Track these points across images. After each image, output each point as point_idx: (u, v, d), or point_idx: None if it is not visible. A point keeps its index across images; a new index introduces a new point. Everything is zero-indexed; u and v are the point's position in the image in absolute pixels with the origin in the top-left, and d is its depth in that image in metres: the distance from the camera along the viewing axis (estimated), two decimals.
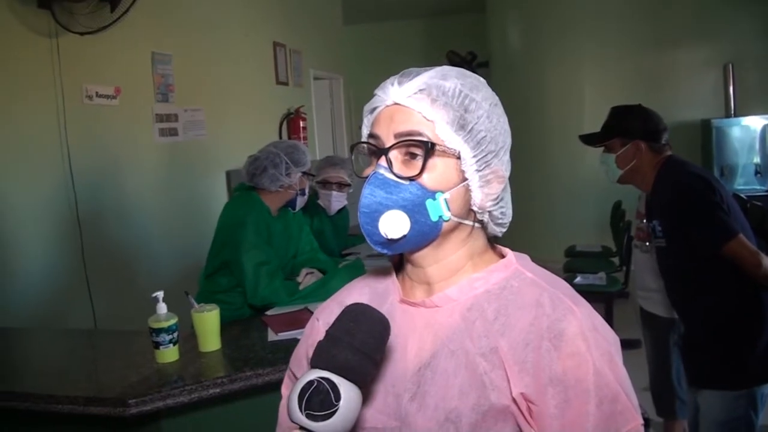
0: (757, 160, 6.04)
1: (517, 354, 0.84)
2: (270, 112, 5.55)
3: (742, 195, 2.58)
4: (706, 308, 2.15)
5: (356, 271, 2.60)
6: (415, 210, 0.86)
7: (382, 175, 0.87)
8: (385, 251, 0.90)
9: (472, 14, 8.77)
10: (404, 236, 0.86)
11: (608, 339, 0.85)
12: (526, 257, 0.97)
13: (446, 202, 0.87)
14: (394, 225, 0.85)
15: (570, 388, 0.81)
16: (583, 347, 0.82)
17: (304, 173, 2.73)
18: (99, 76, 3.48)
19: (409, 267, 0.96)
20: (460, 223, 0.91)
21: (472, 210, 0.91)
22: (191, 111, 4.28)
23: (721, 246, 2.02)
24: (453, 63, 7.84)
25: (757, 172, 6.03)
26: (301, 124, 5.73)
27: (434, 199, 0.86)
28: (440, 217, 0.87)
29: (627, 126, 2.30)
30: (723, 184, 2.19)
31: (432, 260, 0.92)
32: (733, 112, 6.22)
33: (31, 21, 3.07)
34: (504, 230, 0.97)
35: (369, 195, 0.87)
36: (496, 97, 0.93)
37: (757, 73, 6.28)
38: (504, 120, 0.93)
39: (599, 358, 0.82)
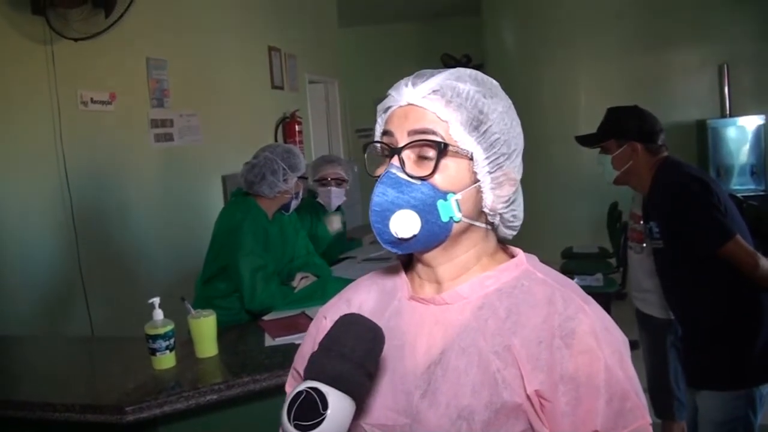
0: (752, 160, 6.06)
1: (530, 351, 0.84)
2: (266, 117, 5.55)
3: (738, 195, 2.58)
4: (704, 309, 2.15)
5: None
6: (426, 210, 0.86)
7: (394, 174, 0.87)
8: (395, 250, 0.91)
9: (467, 17, 8.79)
10: (414, 236, 0.87)
11: (618, 339, 0.87)
12: (534, 258, 0.98)
13: (457, 203, 0.87)
14: (404, 224, 0.86)
15: (581, 385, 0.82)
16: (594, 345, 0.83)
17: (299, 177, 2.74)
18: (94, 82, 3.48)
19: (418, 265, 0.97)
20: (471, 225, 0.91)
21: (483, 212, 0.92)
22: (186, 116, 4.27)
23: (719, 247, 2.02)
24: (447, 66, 7.84)
25: (752, 172, 6.05)
26: (297, 128, 5.72)
27: (445, 200, 0.87)
28: (451, 218, 0.88)
29: (623, 127, 2.30)
30: (719, 184, 2.19)
31: (443, 260, 0.93)
32: (728, 112, 6.24)
33: (26, 28, 3.06)
34: (514, 233, 0.98)
35: (381, 194, 0.87)
36: (510, 101, 0.94)
37: (752, 73, 6.30)
38: (517, 123, 0.94)
39: (610, 356, 0.83)
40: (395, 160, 0.88)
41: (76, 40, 3.22)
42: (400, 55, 9.17)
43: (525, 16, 7.06)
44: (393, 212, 0.86)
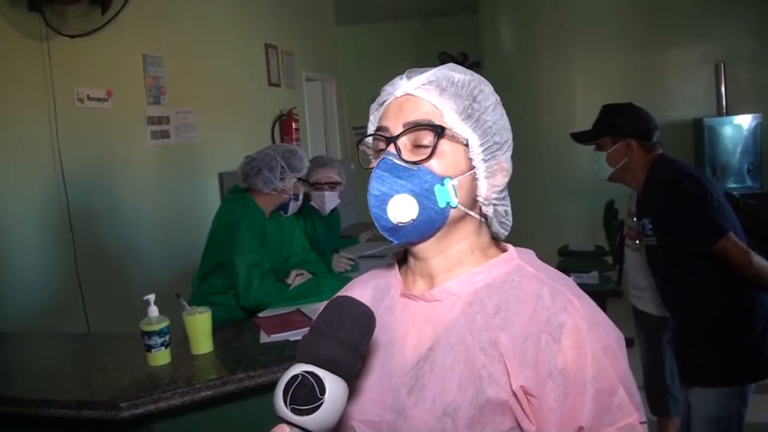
0: (748, 158, 6.07)
1: (516, 348, 0.83)
2: (262, 114, 5.54)
3: (734, 193, 2.58)
4: (697, 306, 2.16)
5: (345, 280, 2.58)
6: (424, 195, 0.87)
7: (390, 160, 0.88)
8: (392, 239, 0.91)
9: (465, 15, 8.79)
10: (412, 221, 0.87)
11: (610, 333, 0.85)
12: (530, 252, 0.97)
13: (454, 189, 0.88)
14: (402, 209, 0.87)
15: (569, 381, 0.80)
16: (583, 339, 0.82)
17: (299, 179, 2.73)
18: (90, 78, 3.47)
19: (412, 260, 0.97)
20: (466, 215, 0.91)
21: (478, 202, 0.92)
22: (183, 113, 4.27)
23: (712, 244, 2.03)
24: (444, 64, 7.84)
25: (748, 171, 6.05)
26: (294, 125, 5.72)
27: (442, 184, 0.87)
28: (448, 203, 0.88)
29: (618, 124, 2.31)
30: (713, 182, 2.20)
31: (436, 251, 0.93)
32: (725, 110, 6.24)
33: (22, 24, 3.05)
34: (506, 233, 0.98)
35: (378, 179, 0.88)
36: (498, 98, 0.95)
37: (749, 72, 6.31)
38: (506, 120, 0.95)
39: (599, 350, 0.82)
40: (391, 148, 0.89)
41: (72, 36, 3.21)
42: (397, 53, 9.16)
43: (522, 14, 7.05)
44: (391, 197, 0.87)
